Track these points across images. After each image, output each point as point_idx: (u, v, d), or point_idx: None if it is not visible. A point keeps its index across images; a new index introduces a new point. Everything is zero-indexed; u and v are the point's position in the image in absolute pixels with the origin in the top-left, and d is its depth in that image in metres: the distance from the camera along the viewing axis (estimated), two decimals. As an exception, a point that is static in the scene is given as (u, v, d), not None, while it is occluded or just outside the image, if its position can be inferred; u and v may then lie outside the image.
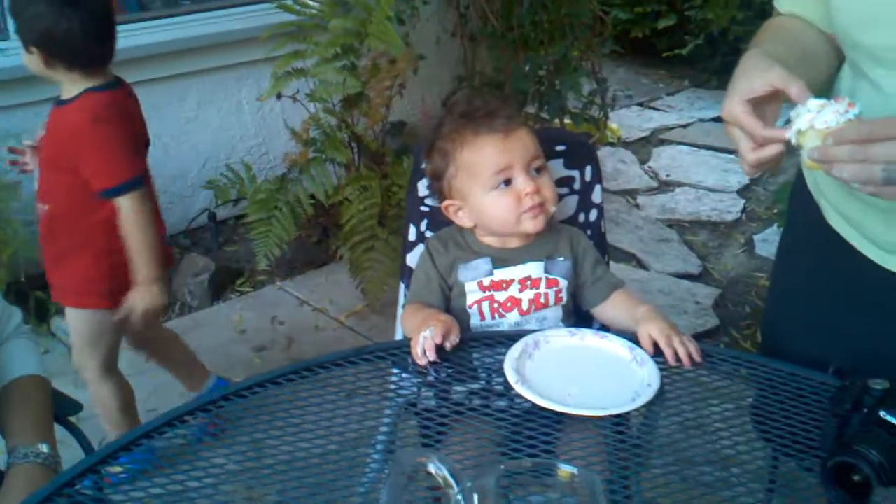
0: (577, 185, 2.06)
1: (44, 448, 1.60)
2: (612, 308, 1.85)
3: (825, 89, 1.51)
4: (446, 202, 1.86)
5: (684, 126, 6.03)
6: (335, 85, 3.68)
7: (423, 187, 2.03)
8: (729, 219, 4.74)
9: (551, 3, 4.76)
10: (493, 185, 1.78)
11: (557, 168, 2.04)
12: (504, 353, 1.61)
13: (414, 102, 4.47)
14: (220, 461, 1.40)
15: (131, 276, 2.46)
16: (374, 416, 1.58)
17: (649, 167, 5.39)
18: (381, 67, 3.83)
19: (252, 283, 4.09)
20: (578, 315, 1.91)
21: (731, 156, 5.31)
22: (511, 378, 1.54)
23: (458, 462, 1.40)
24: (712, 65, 6.64)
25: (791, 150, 1.31)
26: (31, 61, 2.40)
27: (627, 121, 6.05)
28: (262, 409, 1.53)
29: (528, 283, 1.81)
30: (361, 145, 3.96)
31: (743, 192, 5.03)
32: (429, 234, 2.03)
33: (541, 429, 1.45)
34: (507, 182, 1.78)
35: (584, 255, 1.88)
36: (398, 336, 1.99)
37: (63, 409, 1.82)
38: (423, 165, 1.96)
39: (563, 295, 1.83)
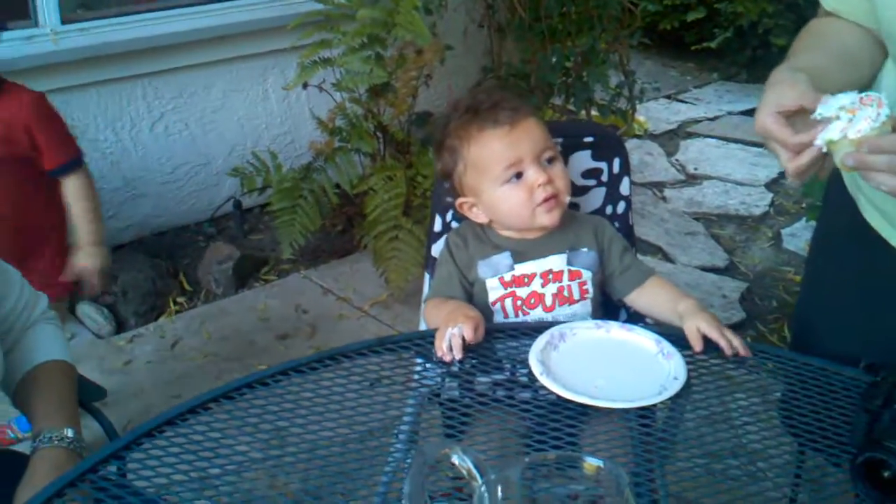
0: (604, 178, 2.05)
1: (69, 433, 1.60)
2: (649, 295, 1.82)
3: (868, 86, 1.48)
4: (460, 200, 1.85)
5: (712, 119, 5.98)
6: (361, 75, 3.66)
7: (449, 178, 2.02)
8: (757, 213, 4.70)
9: (579, -5, 4.73)
10: (504, 179, 1.76)
11: (585, 160, 2.02)
12: (529, 345, 1.59)
13: (440, 93, 4.44)
14: (242, 449, 1.40)
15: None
16: (398, 406, 1.57)
17: (676, 160, 5.35)
18: (408, 58, 3.82)
19: (276, 271, 4.09)
20: (606, 308, 1.89)
21: (760, 149, 5.26)
22: (536, 369, 1.53)
23: (482, 453, 1.40)
24: (741, 58, 6.58)
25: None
26: None
27: (655, 113, 6.00)
28: (285, 398, 1.53)
29: (550, 276, 1.79)
30: (387, 135, 3.95)
31: (771, 185, 4.98)
32: (454, 224, 2.02)
33: (565, 421, 1.44)
34: (519, 175, 1.76)
35: (611, 244, 1.86)
36: (422, 327, 1.98)
37: (88, 395, 1.82)
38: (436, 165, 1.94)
39: (589, 287, 1.81)
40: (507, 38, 4.92)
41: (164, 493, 1.33)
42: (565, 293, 1.79)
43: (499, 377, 1.61)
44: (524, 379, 1.56)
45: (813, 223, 1.90)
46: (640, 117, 5.66)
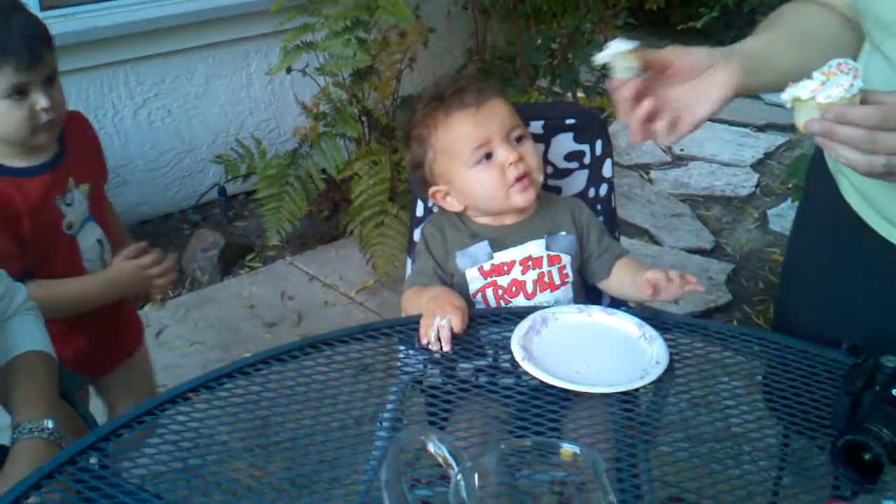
0: (587, 160, 2.04)
1: (48, 423, 1.59)
2: (616, 278, 1.82)
3: None
4: (432, 189, 1.83)
5: (698, 100, 5.96)
6: (345, 59, 3.65)
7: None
8: (743, 193, 4.70)
9: (564, -25, 4.71)
10: (474, 161, 1.75)
11: (567, 142, 2.01)
12: (511, 330, 1.59)
13: (425, 76, 4.43)
14: (224, 438, 1.39)
15: None
16: (381, 394, 1.56)
17: (662, 141, 5.34)
18: (391, 41, 3.80)
19: (262, 258, 4.08)
20: (588, 292, 1.88)
21: (746, 129, 5.26)
22: (518, 355, 1.52)
23: (463, 440, 1.40)
24: (727, 37, 6.56)
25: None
26: None
27: (641, 94, 5.99)
28: (267, 387, 1.52)
29: (530, 262, 1.78)
30: (372, 120, 3.93)
31: (757, 166, 4.98)
32: (436, 209, 2.00)
33: (548, 406, 1.44)
34: (489, 156, 1.75)
35: (589, 226, 1.85)
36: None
37: (68, 386, 1.81)
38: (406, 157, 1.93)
39: (569, 271, 1.80)
40: (491, 20, 4.91)
41: (146, 483, 1.33)
42: (546, 279, 1.78)
43: (481, 363, 1.60)
44: (506, 365, 1.56)
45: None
46: (627, 99, 5.63)
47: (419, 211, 2.05)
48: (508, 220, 1.81)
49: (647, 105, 1.35)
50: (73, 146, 2.04)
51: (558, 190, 2.02)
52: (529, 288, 1.78)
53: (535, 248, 1.79)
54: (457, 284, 1.79)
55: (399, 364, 1.66)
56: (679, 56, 1.37)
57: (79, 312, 2.05)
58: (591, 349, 1.58)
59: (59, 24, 3.73)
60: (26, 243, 1.91)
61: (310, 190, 3.73)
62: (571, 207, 1.87)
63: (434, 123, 1.77)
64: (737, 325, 3.42)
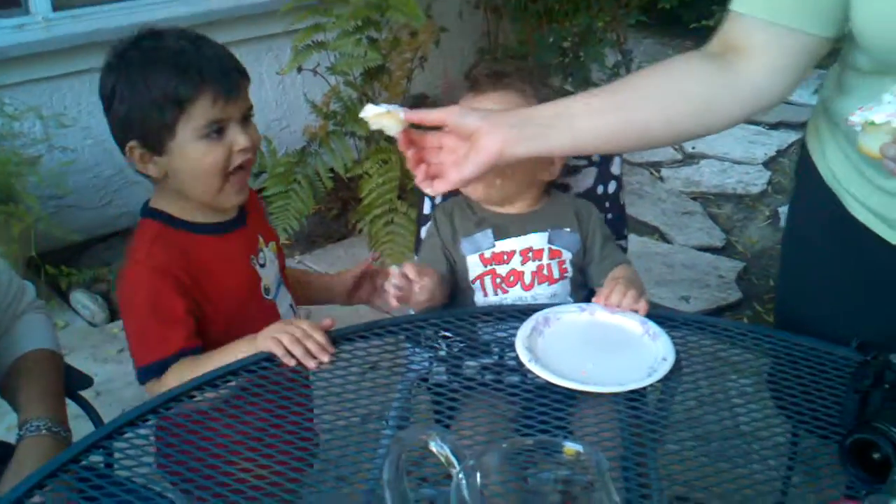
0: (596, 157, 2.03)
1: (55, 421, 1.59)
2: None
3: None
4: None
5: (710, 98, 5.93)
6: (356, 58, 3.65)
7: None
8: (754, 191, 4.68)
9: (576, -27, 4.70)
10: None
11: (575, 139, 2.00)
12: (516, 328, 1.58)
13: (436, 75, 4.42)
14: (228, 437, 1.38)
15: None
16: (387, 392, 1.56)
17: (674, 139, 5.32)
18: (402, 40, 3.80)
19: (272, 256, 4.07)
20: (587, 288, 1.88)
21: (758, 127, 5.24)
22: (524, 357, 1.51)
23: (469, 438, 1.39)
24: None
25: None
26: None
27: (652, 93, 5.96)
28: (273, 384, 1.51)
29: (530, 254, 1.79)
30: (382, 118, 3.92)
31: (769, 164, 4.96)
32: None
33: (554, 405, 1.43)
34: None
35: (594, 231, 1.86)
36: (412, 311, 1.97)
37: (75, 384, 1.81)
38: None
39: (568, 267, 1.81)
40: (503, 19, 4.89)
41: (149, 482, 1.32)
42: (545, 272, 1.79)
43: (487, 361, 1.59)
44: (512, 363, 1.55)
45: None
46: (638, 97, 5.62)
47: (426, 209, 2.05)
48: (513, 208, 1.82)
49: (409, 156, 1.46)
50: (249, 198, 1.76)
51: (567, 187, 2.02)
52: (527, 279, 1.78)
53: (537, 240, 1.80)
54: (459, 270, 1.81)
55: (405, 362, 1.65)
56: (452, 117, 1.44)
57: None
58: (596, 348, 1.57)
59: (70, 25, 3.75)
60: (219, 309, 1.66)
61: (317, 188, 3.73)
62: (578, 207, 1.88)
63: None
64: (747, 322, 3.40)
